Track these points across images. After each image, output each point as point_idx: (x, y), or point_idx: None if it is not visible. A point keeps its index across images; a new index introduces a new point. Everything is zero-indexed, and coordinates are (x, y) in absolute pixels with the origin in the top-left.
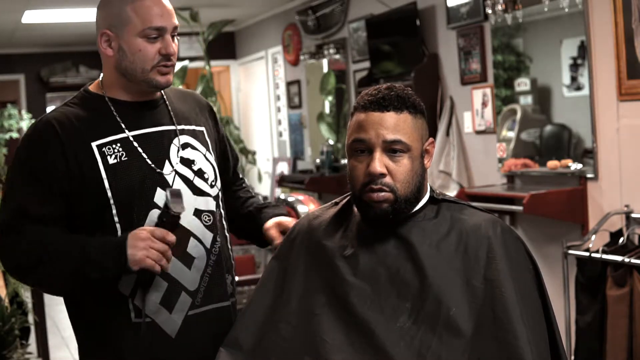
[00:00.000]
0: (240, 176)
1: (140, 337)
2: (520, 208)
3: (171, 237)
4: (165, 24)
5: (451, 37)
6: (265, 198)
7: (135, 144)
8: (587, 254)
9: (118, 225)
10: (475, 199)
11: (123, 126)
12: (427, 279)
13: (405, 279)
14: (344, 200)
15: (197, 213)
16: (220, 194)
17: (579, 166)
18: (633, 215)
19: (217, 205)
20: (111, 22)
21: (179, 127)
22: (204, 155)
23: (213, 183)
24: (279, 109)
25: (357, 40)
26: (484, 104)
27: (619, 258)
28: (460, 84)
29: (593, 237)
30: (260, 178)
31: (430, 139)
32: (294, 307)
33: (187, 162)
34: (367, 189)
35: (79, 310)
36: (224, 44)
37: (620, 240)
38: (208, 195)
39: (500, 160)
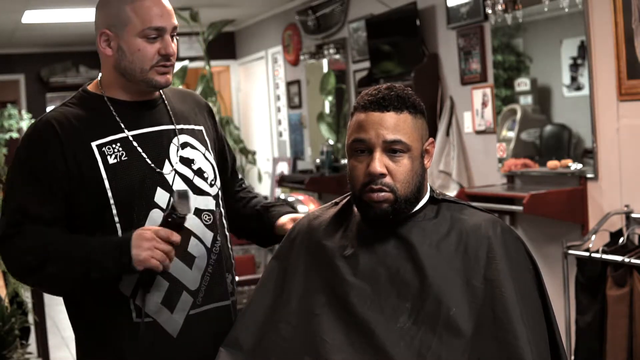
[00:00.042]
0: (240, 176)
1: (140, 336)
2: (520, 208)
3: (176, 238)
4: (165, 24)
5: (451, 37)
6: (265, 198)
7: (135, 143)
8: (587, 254)
9: (118, 225)
10: (475, 199)
11: (122, 126)
12: (427, 279)
13: (405, 279)
14: (344, 200)
15: (197, 212)
16: (220, 193)
17: (579, 166)
18: (633, 215)
19: (217, 204)
20: (110, 22)
21: (178, 127)
22: (204, 155)
23: (212, 182)
24: (279, 109)
25: (357, 40)
26: (484, 104)
27: (619, 258)
28: (460, 84)
29: (593, 237)
30: (260, 178)
31: (430, 139)
32: (294, 307)
33: (187, 162)
34: (367, 189)
35: (78, 311)
36: (224, 44)
37: (620, 240)
38: (208, 194)
39: (500, 160)
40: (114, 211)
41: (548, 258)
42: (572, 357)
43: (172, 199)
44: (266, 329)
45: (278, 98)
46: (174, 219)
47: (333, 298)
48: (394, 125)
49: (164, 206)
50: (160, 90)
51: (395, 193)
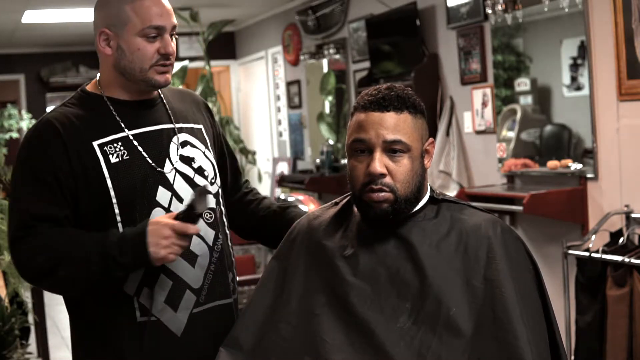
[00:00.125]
0: (245, 178)
1: (145, 336)
2: (520, 208)
3: (193, 230)
4: (165, 23)
5: (451, 37)
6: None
7: (135, 142)
8: (587, 254)
9: (120, 225)
10: (475, 199)
11: (122, 125)
12: (427, 279)
13: (405, 279)
14: (344, 200)
15: None
16: (220, 191)
17: (579, 166)
18: (633, 215)
19: (217, 202)
20: (110, 22)
21: (178, 126)
22: (203, 153)
23: (213, 180)
24: (279, 109)
25: (357, 40)
26: (484, 104)
27: (619, 258)
28: (460, 84)
29: (593, 237)
30: (260, 178)
31: (430, 139)
32: (294, 307)
33: (187, 160)
34: (367, 189)
35: (79, 310)
36: (224, 44)
37: (620, 240)
38: (209, 192)
39: (500, 160)
40: (116, 210)
41: (548, 258)
42: (572, 357)
43: (193, 196)
44: (266, 329)
45: (278, 98)
46: (191, 215)
47: (333, 298)
48: (394, 125)
49: (166, 205)
50: (159, 90)
51: (395, 193)
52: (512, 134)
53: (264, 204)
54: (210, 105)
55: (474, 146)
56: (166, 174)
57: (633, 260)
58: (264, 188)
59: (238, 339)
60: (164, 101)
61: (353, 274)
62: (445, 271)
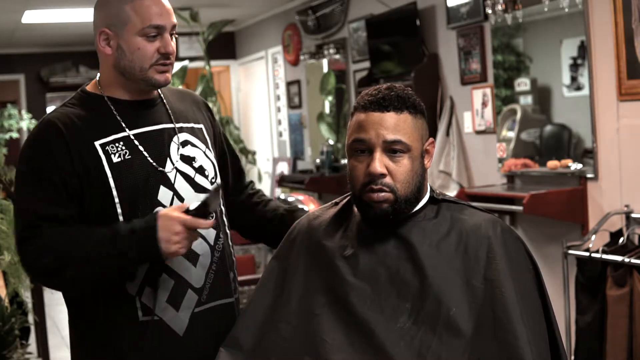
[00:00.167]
0: (250, 179)
1: (148, 335)
2: (520, 208)
3: (205, 224)
4: (165, 23)
5: (451, 37)
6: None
7: (136, 142)
8: (587, 254)
9: None
10: (475, 199)
11: (123, 125)
12: (427, 279)
13: (405, 279)
14: (344, 201)
15: None
16: (220, 190)
17: (579, 166)
18: (633, 215)
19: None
20: (110, 21)
21: (178, 125)
22: (204, 152)
23: (213, 180)
24: (279, 109)
25: (357, 40)
26: (484, 104)
27: (619, 258)
28: (460, 84)
29: (593, 237)
30: (260, 178)
31: (430, 139)
32: (294, 307)
33: (188, 160)
34: (367, 189)
35: (79, 310)
36: (224, 44)
37: (620, 240)
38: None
39: (500, 160)
40: (119, 210)
41: (548, 258)
42: (572, 357)
43: (208, 195)
44: (266, 329)
45: (278, 98)
46: (203, 212)
47: (333, 298)
48: (394, 125)
49: (167, 204)
50: (159, 90)
51: (396, 193)
52: (512, 134)
53: (270, 207)
54: (210, 105)
55: (474, 146)
56: (167, 174)
57: (633, 260)
58: (264, 188)
59: (238, 339)
60: (164, 101)
61: (353, 274)
62: (445, 271)
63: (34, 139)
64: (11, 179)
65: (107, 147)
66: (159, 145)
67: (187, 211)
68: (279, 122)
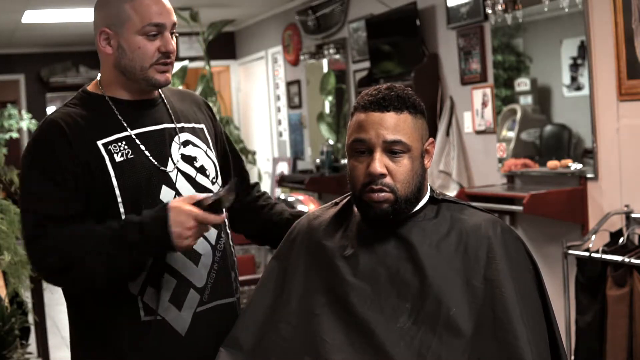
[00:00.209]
0: (256, 181)
1: (150, 335)
2: (520, 208)
3: (217, 220)
4: (164, 21)
5: (451, 37)
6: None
7: (138, 141)
8: (587, 254)
9: None
10: (475, 199)
11: (125, 125)
12: (427, 279)
13: (405, 279)
14: (344, 201)
15: None
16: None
17: (579, 166)
18: (633, 215)
19: None
20: (110, 21)
21: (179, 125)
22: (205, 152)
23: (214, 180)
24: (279, 109)
25: (357, 40)
26: (484, 104)
27: (619, 258)
28: (460, 84)
29: (593, 237)
30: (260, 178)
31: (431, 139)
32: (294, 307)
33: (189, 160)
34: (367, 189)
35: (79, 309)
36: (224, 44)
37: (620, 240)
38: (210, 191)
39: (500, 160)
40: (121, 209)
41: (548, 258)
42: (572, 357)
43: (226, 188)
44: (266, 329)
45: (278, 98)
46: (216, 208)
47: (333, 298)
48: (394, 125)
49: None
50: (159, 90)
51: (396, 193)
52: (512, 134)
53: (276, 210)
54: (208, 102)
55: (474, 146)
56: (169, 173)
57: (633, 260)
58: (264, 188)
59: (238, 339)
60: (165, 101)
61: (353, 274)
62: (445, 271)
63: (37, 139)
64: (11, 178)
65: (109, 147)
66: (160, 144)
67: (198, 204)
68: (279, 122)
